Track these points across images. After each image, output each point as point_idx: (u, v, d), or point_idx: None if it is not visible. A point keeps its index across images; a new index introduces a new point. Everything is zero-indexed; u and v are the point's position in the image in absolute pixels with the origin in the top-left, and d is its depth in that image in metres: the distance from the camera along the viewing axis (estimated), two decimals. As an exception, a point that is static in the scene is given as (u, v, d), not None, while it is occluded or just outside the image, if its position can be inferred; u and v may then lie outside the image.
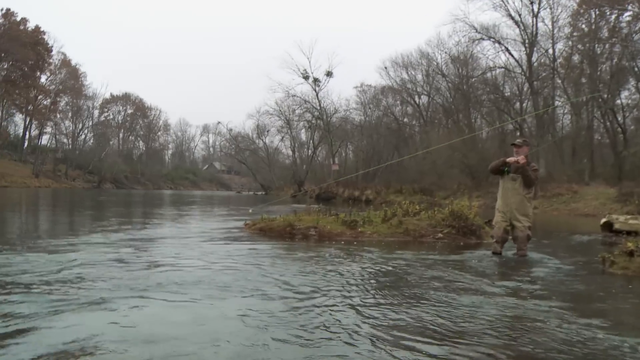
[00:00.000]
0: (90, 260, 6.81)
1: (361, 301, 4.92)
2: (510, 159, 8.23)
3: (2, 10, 60.68)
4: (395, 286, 5.72)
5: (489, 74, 46.85)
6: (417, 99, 57.34)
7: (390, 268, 6.98)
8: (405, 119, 60.32)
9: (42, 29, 64.87)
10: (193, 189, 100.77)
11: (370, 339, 3.73)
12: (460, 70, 49.70)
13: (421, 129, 56.61)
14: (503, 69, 45.10)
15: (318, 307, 4.64)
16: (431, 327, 4.07)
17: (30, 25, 63.36)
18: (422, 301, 4.95)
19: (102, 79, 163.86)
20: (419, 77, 56.04)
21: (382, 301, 4.96)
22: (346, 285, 5.66)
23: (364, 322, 4.15)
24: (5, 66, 61.37)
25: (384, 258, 7.86)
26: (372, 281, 5.99)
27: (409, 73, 56.46)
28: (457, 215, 11.09)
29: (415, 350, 3.50)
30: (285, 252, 8.68)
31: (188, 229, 13.16)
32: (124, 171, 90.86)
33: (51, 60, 70.30)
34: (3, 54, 58.97)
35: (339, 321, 4.17)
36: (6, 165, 61.16)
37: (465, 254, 8.67)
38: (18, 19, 61.79)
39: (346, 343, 3.61)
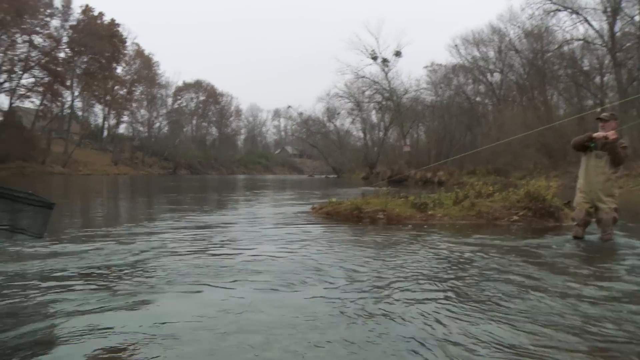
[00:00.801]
0: (175, 245, 6.96)
1: (430, 297, 4.39)
2: (598, 134, 7.53)
3: (82, 7, 62.98)
4: (470, 280, 5.11)
5: (565, 48, 44.63)
6: (489, 77, 55.69)
7: (463, 256, 6.47)
8: (478, 98, 58.66)
9: (116, 22, 66.78)
10: (265, 173, 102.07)
11: (442, 349, 3.20)
12: (534, 45, 47.71)
13: (494, 107, 54.98)
14: (581, 42, 42.71)
15: (377, 300, 4.28)
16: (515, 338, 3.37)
17: (106, 18, 65.28)
18: (501, 303, 4.19)
19: (175, 68, 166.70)
20: (491, 54, 54.40)
21: (455, 298, 4.35)
22: (411, 277, 5.18)
23: (436, 325, 3.63)
24: (85, 59, 63.62)
25: (456, 244, 7.47)
26: (442, 272, 5.52)
27: (480, 50, 54.90)
28: (533, 197, 10.48)
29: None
30: (351, 237, 8.35)
31: (259, 213, 13.10)
32: (198, 157, 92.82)
33: (126, 52, 72.54)
34: (82, 48, 61.04)
35: (404, 321, 3.76)
36: (88, 154, 63.64)
37: (543, 239, 8.12)
38: (95, 13, 63.79)
39: (413, 352, 3.15)
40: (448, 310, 3.96)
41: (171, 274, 5.09)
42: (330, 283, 4.85)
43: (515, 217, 10.30)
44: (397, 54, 60.34)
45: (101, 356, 2.98)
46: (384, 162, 60.30)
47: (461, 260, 6.21)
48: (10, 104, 54.11)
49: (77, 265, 5.21)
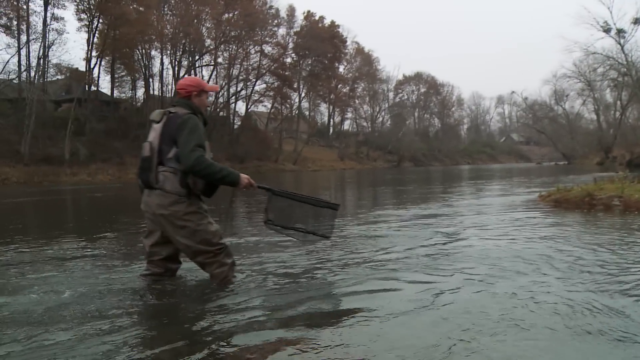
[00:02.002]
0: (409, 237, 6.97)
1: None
2: None
3: (304, 13, 66.83)
4: None
5: None
6: None
7: None
8: None
9: (336, 23, 69.53)
10: (491, 162, 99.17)
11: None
12: None
13: None
14: None
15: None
16: None
17: (327, 21, 68.29)
18: None
19: (394, 62, 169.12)
20: None
21: None
22: None
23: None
24: (309, 62, 67.23)
25: None
26: None
27: None
28: None
29: None
30: (583, 227, 7.51)
31: (484, 202, 12.76)
32: (421, 149, 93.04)
33: (346, 51, 75.18)
34: (307, 52, 64.62)
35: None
36: (316, 151, 67.24)
37: None
38: (316, 18, 67.09)
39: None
40: None
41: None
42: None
43: None
44: (636, 21, 54.27)
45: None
46: (622, 145, 55.02)
47: None
48: (247, 109, 59.47)
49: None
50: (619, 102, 63.46)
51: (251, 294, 4.08)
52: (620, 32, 55.11)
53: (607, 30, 55.43)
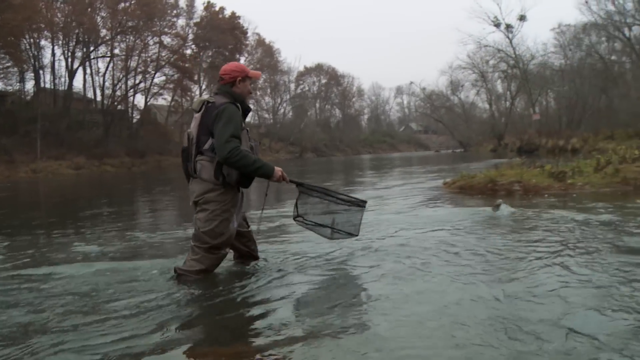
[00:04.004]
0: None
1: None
2: None
3: (204, 3, 65.61)
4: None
5: None
6: (626, 32, 51.60)
7: (618, 231, 5.84)
8: (613, 57, 54.68)
9: (237, 14, 68.74)
10: (391, 151, 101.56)
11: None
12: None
13: (633, 65, 51.07)
14: None
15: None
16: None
17: (227, 12, 67.43)
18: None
19: (295, 53, 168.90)
20: (629, 5, 50.10)
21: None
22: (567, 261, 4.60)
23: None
24: (210, 53, 66.14)
25: (607, 214, 6.94)
26: (597, 249, 4.95)
27: (616, 3, 50.89)
28: (688, 158, 9.66)
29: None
30: (487, 215, 7.73)
31: (389, 190, 13.08)
32: (323, 140, 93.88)
33: (247, 42, 74.49)
34: (207, 43, 63.50)
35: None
36: (219, 144, 66.23)
37: None
38: (217, 8, 66.08)
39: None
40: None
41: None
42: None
43: (667, 181, 9.56)
44: (522, 18, 57.43)
45: None
46: (513, 133, 57.99)
47: (617, 234, 5.68)
48: (146, 102, 57.77)
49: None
50: (508, 93, 66.81)
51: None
52: (508, 27, 58.07)
53: (497, 25, 58.25)
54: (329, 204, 4.91)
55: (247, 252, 4.89)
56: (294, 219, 4.89)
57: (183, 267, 4.42)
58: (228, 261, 4.88)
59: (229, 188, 4.32)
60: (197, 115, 4.36)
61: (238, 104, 4.39)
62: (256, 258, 4.97)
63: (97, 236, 7.50)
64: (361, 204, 5.01)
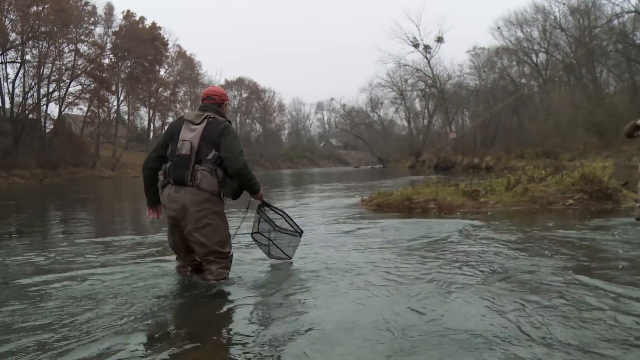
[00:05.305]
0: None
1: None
2: None
3: (123, 12, 64.03)
4: (529, 278, 4.49)
5: (615, 22, 43.30)
6: (534, 58, 54.50)
7: (519, 248, 6.05)
8: (523, 80, 57.58)
9: (158, 25, 67.58)
10: (311, 166, 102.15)
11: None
12: (581, 21, 46.47)
13: (540, 88, 53.83)
14: (633, 13, 41.26)
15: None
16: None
17: (148, 22, 66.18)
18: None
19: (216, 67, 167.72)
20: (535, 34, 53.30)
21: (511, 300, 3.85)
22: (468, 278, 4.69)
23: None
24: (129, 64, 64.59)
25: (510, 233, 7.22)
26: (498, 267, 5.07)
27: (524, 31, 53.83)
28: (589, 179, 10.20)
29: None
30: (398, 234, 7.62)
31: (309, 206, 13.11)
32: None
33: (168, 54, 73.20)
34: (126, 53, 61.98)
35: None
36: (135, 157, 64.65)
37: (604, 223, 7.79)
38: (137, 18, 64.74)
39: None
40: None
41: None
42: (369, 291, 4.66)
43: (570, 201, 10.04)
44: (439, 39, 59.80)
45: None
46: (430, 150, 59.82)
47: (520, 252, 5.88)
48: (60, 112, 55.43)
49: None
50: (426, 111, 68.86)
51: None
52: (426, 48, 60.08)
53: (416, 45, 60.23)
54: (279, 226, 5.30)
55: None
56: (252, 234, 5.29)
57: (217, 278, 4.54)
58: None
59: (221, 199, 4.54)
60: (198, 127, 4.48)
61: None
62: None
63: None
64: (299, 232, 5.41)
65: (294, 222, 5.43)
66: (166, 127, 5.06)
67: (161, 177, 4.60)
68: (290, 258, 5.43)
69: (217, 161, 4.44)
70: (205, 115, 4.56)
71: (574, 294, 3.95)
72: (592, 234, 6.83)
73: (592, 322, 3.29)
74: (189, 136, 4.46)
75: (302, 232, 5.49)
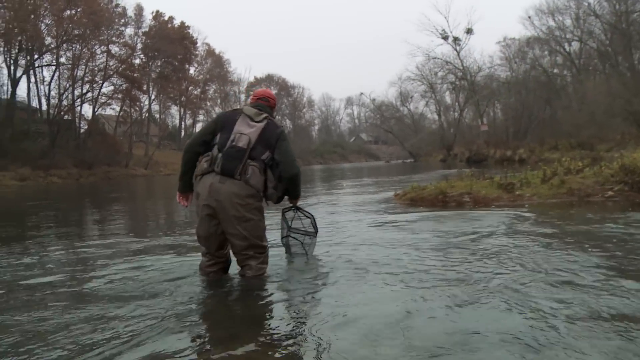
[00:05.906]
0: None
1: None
2: None
3: (152, 12, 64.79)
4: (568, 279, 4.28)
5: (654, 4, 42.14)
6: (567, 47, 53.43)
7: (564, 241, 5.87)
8: (555, 70, 56.50)
9: (186, 24, 68.21)
10: (342, 161, 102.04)
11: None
12: (617, 6, 45.26)
13: (574, 78, 52.85)
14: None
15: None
16: None
17: (176, 22, 66.84)
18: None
19: (246, 64, 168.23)
20: (568, 22, 52.03)
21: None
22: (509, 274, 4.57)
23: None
24: (159, 63, 65.36)
25: (550, 225, 7.07)
26: (541, 262, 4.91)
27: (556, 19, 52.69)
28: (629, 170, 9.89)
29: None
30: (439, 225, 7.77)
31: (343, 202, 13.05)
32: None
33: (197, 52, 73.99)
34: (156, 53, 62.73)
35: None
36: (167, 155, 65.37)
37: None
38: (166, 18, 65.42)
39: None
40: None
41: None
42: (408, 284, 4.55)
43: (610, 193, 9.78)
44: (469, 31, 59.08)
45: None
46: (461, 143, 59.29)
47: (563, 245, 5.70)
48: (94, 112, 56.36)
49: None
50: (457, 104, 68.18)
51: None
52: (456, 40, 59.46)
53: (445, 38, 59.64)
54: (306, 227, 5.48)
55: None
56: (283, 237, 5.52)
57: (256, 274, 4.59)
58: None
59: (262, 198, 4.60)
60: (258, 125, 4.54)
61: None
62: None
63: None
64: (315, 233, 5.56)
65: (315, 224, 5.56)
66: (216, 116, 4.98)
67: (203, 164, 4.50)
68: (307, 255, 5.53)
69: (269, 163, 4.52)
70: (265, 115, 4.63)
71: (620, 297, 3.68)
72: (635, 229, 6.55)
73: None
74: (248, 131, 4.47)
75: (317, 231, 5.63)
